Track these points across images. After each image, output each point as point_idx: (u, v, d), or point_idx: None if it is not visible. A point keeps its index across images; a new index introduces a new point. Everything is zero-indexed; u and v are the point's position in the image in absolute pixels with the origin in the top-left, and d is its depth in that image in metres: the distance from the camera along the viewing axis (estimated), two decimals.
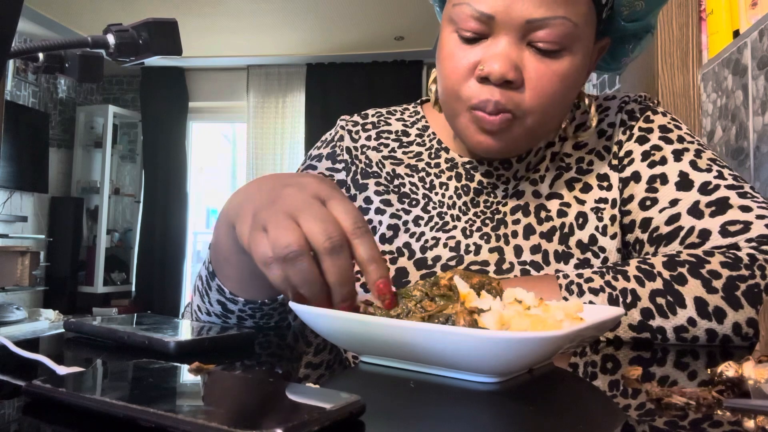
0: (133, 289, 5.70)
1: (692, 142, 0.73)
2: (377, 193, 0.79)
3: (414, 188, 0.79)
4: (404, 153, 0.82)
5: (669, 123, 0.75)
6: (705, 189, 0.67)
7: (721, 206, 0.65)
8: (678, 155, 0.71)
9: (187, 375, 0.39)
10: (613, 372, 0.49)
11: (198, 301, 0.69)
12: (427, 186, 0.79)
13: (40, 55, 0.70)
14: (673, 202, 0.68)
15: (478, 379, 0.42)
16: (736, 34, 1.53)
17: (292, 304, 0.48)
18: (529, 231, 0.72)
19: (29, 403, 0.35)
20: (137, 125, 5.82)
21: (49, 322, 4.40)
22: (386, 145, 0.83)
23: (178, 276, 5.65)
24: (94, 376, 0.39)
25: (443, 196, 0.78)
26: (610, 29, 0.71)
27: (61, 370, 0.41)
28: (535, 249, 0.71)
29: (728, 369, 0.41)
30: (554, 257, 0.70)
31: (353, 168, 0.82)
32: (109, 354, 0.52)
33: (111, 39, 0.68)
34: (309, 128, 5.38)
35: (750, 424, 0.34)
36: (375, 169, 0.81)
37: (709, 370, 0.43)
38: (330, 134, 0.88)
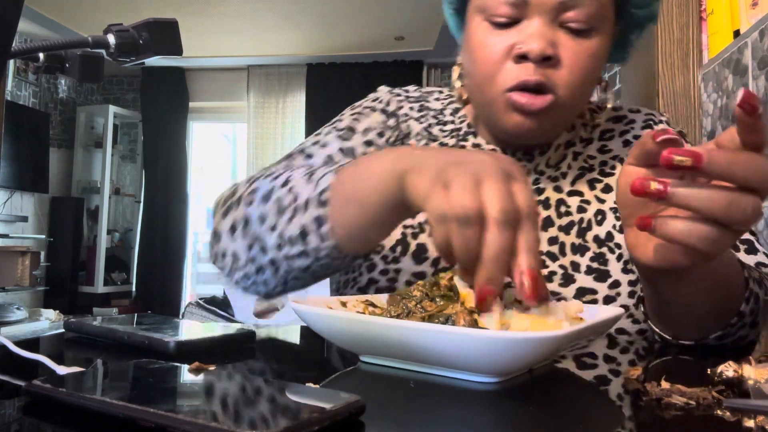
0: (134, 289, 5.70)
1: None
2: None
3: None
4: (440, 131, 0.82)
5: None
6: None
7: (751, 247, 0.70)
8: None
9: (187, 375, 0.39)
10: (613, 372, 0.49)
11: (258, 211, 0.61)
12: None
13: (41, 55, 0.70)
14: None
15: (478, 379, 0.42)
16: (736, 34, 1.53)
17: (292, 304, 0.48)
18: (548, 223, 0.73)
19: (29, 403, 0.35)
20: (137, 125, 5.82)
21: (49, 322, 4.40)
22: (426, 119, 0.84)
23: (178, 276, 5.64)
24: (94, 376, 0.39)
25: None
26: (620, 16, 0.73)
27: (61, 370, 0.41)
28: (552, 240, 0.72)
29: (728, 369, 0.41)
30: (570, 249, 0.72)
31: (396, 133, 0.82)
32: (109, 354, 0.52)
33: (111, 39, 0.68)
34: (309, 128, 5.36)
35: (750, 424, 0.34)
36: (412, 140, 0.81)
37: (709, 370, 0.43)
38: (374, 96, 0.87)
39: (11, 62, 3.74)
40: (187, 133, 5.75)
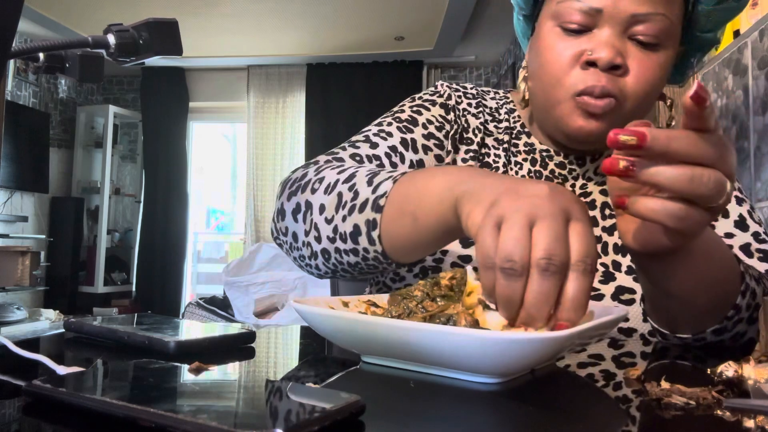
0: (134, 289, 5.69)
1: (747, 197, 0.80)
2: (464, 160, 0.81)
3: (497, 159, 0.81)
4: (495, 127, 0.84)
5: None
6: (757, 237, 0.75)
7: (766, 256, 0.73)
8: (739, 201, 0.78)
9: (187, 375, 0.39)
10: (613, 372, 0.49)
11: (320, 201, 0.62)
12: (507, 161, 0.81)
13: (41, 55, 0.70)
14: (728, 235, 0.74)
15: (479, 379, 0.42)
16: (736, 34, 1.53)
17: (293, 304, 0.48)
18: (592, 223, 0.75)
19: (29, 403, 0.35)
20: (137, 125, 5.82)
21: (49, 322, 4.39)
22: (482, 115, 0.86)
23: (178, 276, 5.64)
24: (94, 376, 0.39)
25: (516, 173, 0.80)
26: (685, 39, 0.74)
27: (62, 370, 0.41)
28: (596, 240, 0.74)
29: (728, 369, 0.41)
30: (613, 249, 0.74)
31: (455, 127, 0.83)
32: (109, 354, 0.52)
33: (111, 39, 0.68)
34: (309, 128, 5.37)
35: (750, 424, 0.34)
36: (470, 134, 0.83)
37: (709, 370, 0.43)
38: (433, 89, 0.87)
39: (11, 62, 3.74)
40: (187, 133, 5.74)
